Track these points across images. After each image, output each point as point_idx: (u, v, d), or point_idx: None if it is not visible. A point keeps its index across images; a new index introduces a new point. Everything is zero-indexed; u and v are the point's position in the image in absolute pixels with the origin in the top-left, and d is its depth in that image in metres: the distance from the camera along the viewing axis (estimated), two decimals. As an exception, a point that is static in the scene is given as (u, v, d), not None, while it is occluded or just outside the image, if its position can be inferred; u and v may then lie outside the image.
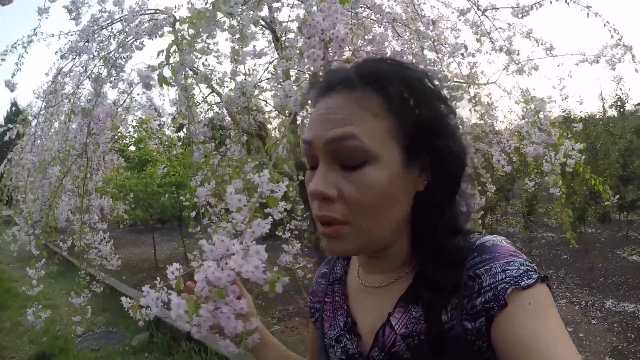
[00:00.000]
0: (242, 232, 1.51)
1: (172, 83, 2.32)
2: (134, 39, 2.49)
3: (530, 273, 0.68)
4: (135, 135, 9.36)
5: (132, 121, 6.43)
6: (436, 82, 0.77)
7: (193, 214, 3.38)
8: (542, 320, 0.63)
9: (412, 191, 0.75)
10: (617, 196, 3.54)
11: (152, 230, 11.76)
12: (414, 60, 3.40)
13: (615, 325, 5.21)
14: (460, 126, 0.83)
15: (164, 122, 6.17)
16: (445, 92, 0.81)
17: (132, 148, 10.06)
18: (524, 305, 0.65)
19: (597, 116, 14.65)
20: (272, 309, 6.42)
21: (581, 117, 12.80)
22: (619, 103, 20.35)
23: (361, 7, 3.39)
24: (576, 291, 6.48)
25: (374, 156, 0.70)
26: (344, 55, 2.26)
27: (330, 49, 2.13)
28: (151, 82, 1.66)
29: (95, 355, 5.37)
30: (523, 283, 0.66)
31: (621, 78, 4.67)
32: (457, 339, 0.70)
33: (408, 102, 0.72)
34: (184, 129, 7.38)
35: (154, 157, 8.97)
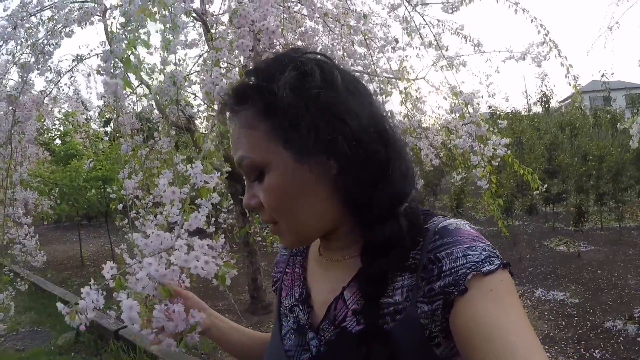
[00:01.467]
0: (174, 225, 1.50)
1: (103, 72, 2.28)
2: (63, 27, 2.42)
3: (492, 259, 0.67)
4: (61, 129, 9.00)
5: (58, 112, 6.20)
6: (365, 78, 0.81)
7: (120, 206, 3.31)
8: (503, 307, 0.63)
9: (323, 178, 0.75)
10: (546, 185, 3.67)
11: (78, 227, 11.37)
12: (345, 55, 3.46)
13: (545, 313, 5.44)
14: (390, 119, 0.83)
15: (90, 115, 6.00)
16: (373, 86, 0.83)
17: (58, 142, 9.66)
18: (484, 292, 0.64)
19: (522, 112, 15.25)
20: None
21: (507, 114, 13.32)
22: (544, 99, 21.36)
23: (293, 1, 3.41)
24: (506, 281, 6.72)
25: (265, 164, 0.74)
26: (274, 47, 2.29)
27: (260, 40, 2.15)
28: (118, 90, 1.64)
29: (20, 355, 5.16)
30: (484, 269, 0.65)
31: (546, 75, 4.87)
32: (408, 321, 0.70)
33: (273, 103, 0.73)
34: (111, 124, 7.18)
35: (80, 151, 8.65)
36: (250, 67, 0.85)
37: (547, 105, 21.60)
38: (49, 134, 9.14)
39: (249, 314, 5.63)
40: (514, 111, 14.50)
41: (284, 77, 0.73)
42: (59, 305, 1.10)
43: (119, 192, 3.18)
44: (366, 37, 3.11)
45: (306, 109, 0.71)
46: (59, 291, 6.87)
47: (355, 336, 0.74)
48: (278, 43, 2.30)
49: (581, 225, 8.08)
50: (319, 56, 0.79)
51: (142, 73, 3.52)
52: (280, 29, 1.98)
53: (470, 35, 4.24)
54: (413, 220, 0.76)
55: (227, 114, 0.86)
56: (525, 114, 15.49)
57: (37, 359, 5.03)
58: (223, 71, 3.42)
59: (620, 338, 4.72)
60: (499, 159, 3.32)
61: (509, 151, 3.36)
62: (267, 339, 1.08)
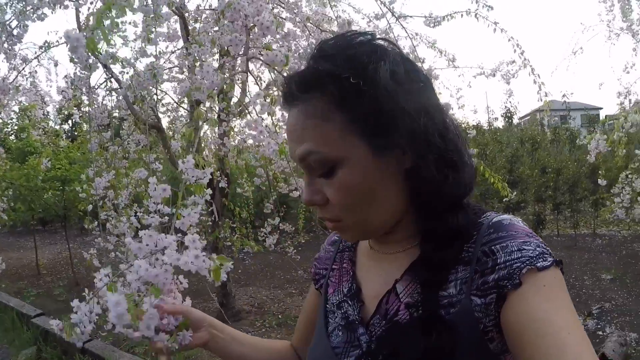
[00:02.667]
0: (150, 225, 1.42)
1: (76, 61, 2.15)
2: (35, 8, 2.27)
3: (546, 255, 0.66)
4: (17, 124, 8.62)
5: (14, 106, 5.92)
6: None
7: (90, 207, 3.14)
8: (555, 304, 0.62)
9: (397, 172, 0.72)
10: (515, 192, 3.78)
11: (34, 233, 10.82)
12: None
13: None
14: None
15: (48, 111, 5.77)
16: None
17: (13, 138, 9.24)
18: (538, 287, 0.63)
19: (485, 126, 16.06)
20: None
21: (474, 125, 13.94)
22: (507, 114, 22.44)
23: (275, 5, 3.37)
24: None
25: (339, 160, 0.69)
26: (265, 41, 2.22)
27: (250, 36, 2.08)
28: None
29: (-24, 378, 4.81)
30: (539, 264, 0.64)
31: (512, 92, 5.08)
32: (462, 314, 0.68)
33: (353, 93, 0.68)
34: (70, 121, 6.94)
35: (38, 148, 8.26)
36: (316, 50, 0.74)
37: (510, 121, 22.69)
38: (5, 129, 8.73)
39: (225, 317, 5.50)
40: (478, 124, 15.11)
41: (370, 67, 0.68)
42: (53, 322, 1.01)
43: (88, 191, 3.02)
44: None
45: (391, 102, 0.68)
46: (15, 302, 6.25)
47: (407, 327, 0.73)
48: (266, 39, 2.23)
49: (539, 232, 8.59)
50: (391, 44, 0.75)
51: (113, 66, 3.38)
52: (274, 26, 1.91)
53: (446, 50, 4.32)
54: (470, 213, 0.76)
55: (282, 102, 0.78)
56: (487, 128, 16.18)
57: (-5, 380, 4.67)
58: (198, 68, 3.34)
59: (581, 332, 5.16)
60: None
61: (477, 160, 3.41)
62: (274, 347, 1.08)
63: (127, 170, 3.64)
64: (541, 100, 3.90)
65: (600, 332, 5.09)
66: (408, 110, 0.68)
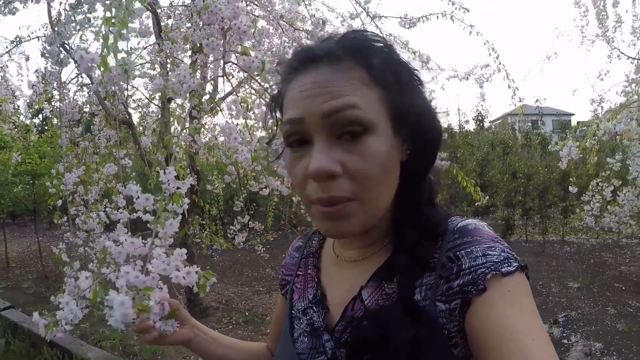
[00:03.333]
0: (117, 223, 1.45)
1: (47, 55, 2.16)
2: (6, 3, 2.28)
3: (511, 261, 0.66)
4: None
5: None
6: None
7: (59, 202, 3.13)
8: (519, 309, 0.62)
9: (399, 161, 0.73)
10: (487, 197, 3.81)
11: (3, 226, 10.66)
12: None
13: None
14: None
15: (19, 105, 5.70)
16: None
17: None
18: (502, 292, 0.63)
19: (456, 129, 16.02)
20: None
21: (445, 128, 13.86)
22: (479, 118, 22.50)
23: (249, 2, 3.38)
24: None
25: (374, 125, 0.67)
26: (239, 46, 2.24)
27: (227, 38, 2.10)
28: (93, 66, 1.54)
29: (-56, 369, 4.75)
30: (504, 269, 0.65)
31: (485, 96, 5.08)
32: (433, 319, 0.68)
33: (390, 73, 0.70)
34: (40, 115, 6.86)
35: (8, 142, 8.14)
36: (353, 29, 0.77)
37: (481, 124, 22.76)
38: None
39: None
40: (449, 127, 15.10)
41: (400, 59, 0.74)
42: (35, 315, 1.04)
43: (58, 186, 3.00)
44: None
45: (414, 95, 0.73)
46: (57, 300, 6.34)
47: (385, 313, 0.71)
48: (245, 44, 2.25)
49: (508, 237, 8.50)
50: (384, 42, 0.77)
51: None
52: (251, 30, 1.93)
53: (420, 51, 4.34)
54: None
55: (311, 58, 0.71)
56: (458, 130, 16.22)
57: (-38, 371, 4.62)
58: (169, 65, 3.36)
59: (547, 340, 5.06)
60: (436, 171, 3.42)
61: (451, 163, 3.46)
62: (252, 349, 1.10)
63: (98, 165, 3.63)
64: (515, 105, 3.94)
65: (565, 341, 5.09)
66: (423, 106, 0.74)
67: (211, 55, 1.88)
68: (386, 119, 0.69)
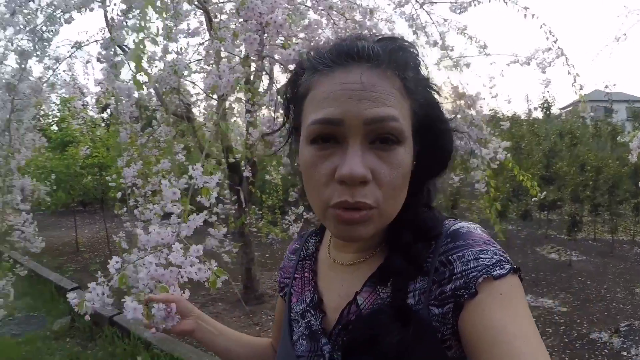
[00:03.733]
0: (171, 214, 1.55)
1: (103, 60, 2.25)
2: (63, 13, 2.40)
3: (503, 263, 0.67)
4: (58, 115, 8.96)
5: (56, 98, 6.15)
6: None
7: (119, 194, 3.28)
8: (511, 312, 0.63)
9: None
10: (545, 193, 3.66)
11: (74, 213, 11.32)
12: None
13: (534, 320, 5.44)
14: None
15: (87, 102, 5.98)
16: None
17: (55, 128, 9.62)
18: (494, 295, 0.64)
19: (522, 117, 15.20)
20: (195, 295, 6.33)
21: (508, 116, 13.26)
22: (545, 105, 21.44)
23: (297, -7, 3.38)
24: (496, 287, 6.61)
25: (406, 137, 0.69)
26: (278, 39, 2.27)
27: (265, 33, 2.13)
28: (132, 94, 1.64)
29: (16, 340, 5.15)
30: (495, 273, 0.65)
31: (549, 82, 4.80)
32: (424, 321, 0.69)
33: (419, 86, 0.72)
34: (108, 110, 7.15)
35: (77, 137, 8.62)
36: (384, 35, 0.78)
37: (548, 112, 21.68)
38: (46, 119, 9.09)
39: (242, 303, 5.62)
40: (514, 115, 14.41)
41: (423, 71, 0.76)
42: (70, 295, 1.20)
43: (118, 180, 3.14)
44: (371, 32, 3.08)
45: (434, 109, 0.75)
46: (55, 277, 6.88)
47: (375, 315, 0.71)
48: (283, 36, 2.28)
49: (574, 235, 8.10)
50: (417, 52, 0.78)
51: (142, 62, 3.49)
52: (288, 23, 1.95)
53: (476, 37, 4.21)
54: None
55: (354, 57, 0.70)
56: (525, 119, 15.40)
57: (33, 344, 5.00)
58: (224, 60, 3.41)
59: (605, 350, 4.75)
60: (498, 162, 3.30)
61: (509, 155, 3.34)
62: (256, 344, 1.12)
63: (157, 158, 3.77)
64: (576, 93, 3.77)
65: (625, 353, 4.72)
66: (439, 118, 0.76)
67: (249, 50, 1.90)
68: (411, 130, 0.71)
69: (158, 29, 2.13)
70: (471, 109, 3.19)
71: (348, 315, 0.78)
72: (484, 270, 0.65)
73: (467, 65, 4.08)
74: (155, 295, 1.01)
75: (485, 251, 0.68)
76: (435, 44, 3.68)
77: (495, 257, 0.67)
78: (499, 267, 0.66)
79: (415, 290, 0.72)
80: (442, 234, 0.74)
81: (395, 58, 0.70)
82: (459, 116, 3.43)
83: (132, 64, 1.71)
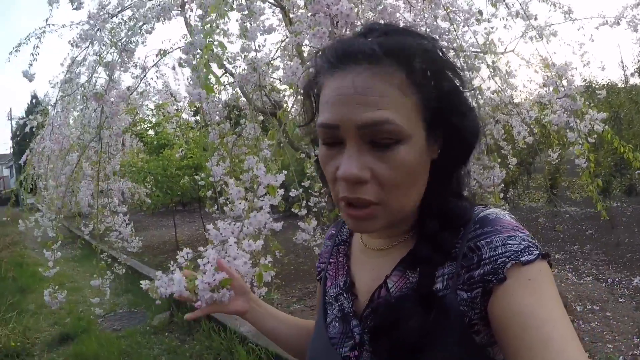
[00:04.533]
0: (261, 208, 1.58)
1: (185, 64, 2.31)
2: (143, 23, 2.49)
3: (532, 249, 0.67)
4: (153, 120, 9.43)
5: (148, 105, 6.47)
6: (451, 54, 0.76)
7: (209, 193, 3.39)
8: (540, 298, 0.63)
9: (429, 161, 0.75)
10: None
11: (173, 213, 11.93)
12: (428, 31, 3.34)
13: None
14: (479, 96, 0.82)
15: (180, 106, 6.23)
16: (460, 62, 0.79)
17: (151, 132, 10.14)
18: (523, 281, 0.64)
19: (619, 85, 14.04)
20: (292, 288, 6.45)
21: (604, 85, 12.35)
22: (644, 69, 19.65)
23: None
24: (602, 268, 6.17)
25: (407, 136, 0.69)
26: (355, 28, 2.22)
27: (337, 24, 2.09)
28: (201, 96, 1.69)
29: (117, 334, 5.48)
30: (523, 258, 0.66)
31: None
32: (449, 308, 0.70)
33: (430, 76, 0.71)
34: (201, 112, 7.44)
35: (172, 140, 9.05)
36: (382, 27, 0.76)
37: None
38: (142, 125, 9.60)
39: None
40: (610, 83, 13.37)
41: (443, 59, 0.74)
42: (144, 282, 1.29)
43: (207, 179, 3.25)
44: (448, 10, 2.97)
45: (452, 97, 0.73)
46: (154, 274, 7.25)
47: (402, 300, 0.74)
48: (358, 24, 2.23)
49: None
50: (428, 39, 0.76)
51: (224, 62, 3.58)
52: (354, 11, 1.90)
53: (560, 2, 3.95)
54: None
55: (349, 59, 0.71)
56: (623, 86, 14.25)
57: (133, 338, 5.29)
58: (305, 54, 3.42)
59: None
60: (596, 136, 3.11)
61: (607, 127, 3.13)
62: (302, 325, 1.15)
63: (247, 155, 3.86)
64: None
65: None
66: (459, 105, 0.74)
67: (318, 44, 1.88)
68: (421, 126, 0.71)
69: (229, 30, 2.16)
70: (563, 78, 2.99)
71: (378, 299, 0.80)
72: (512, 256, 0.66)
73: (554, 33, 3.84)
74: (222, 260, 1.04)
75: (514, 237, 0.69)
76: (517, 14, 3.49)
77: (523, 242, 0.68)
78: (527, 253, 0.66)
79: (444, 275, 0.73)
80: (471, 220, 0.75)
81: (396, 51, 0.69)
82: (550, 89, 3.25)
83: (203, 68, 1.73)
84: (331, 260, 0.98)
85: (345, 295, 0.88)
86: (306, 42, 2.46)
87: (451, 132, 0.74)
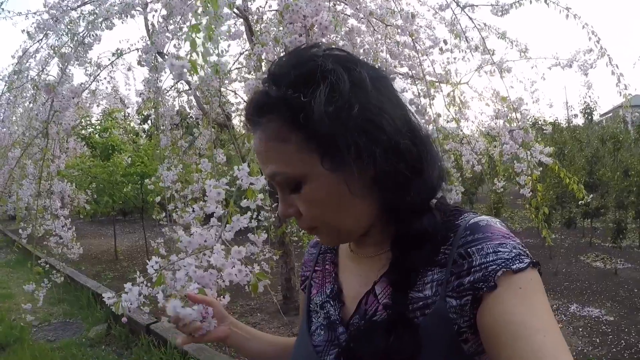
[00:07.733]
0: (211, 216, 1.53)
1: (144, 63, 2.26)
2: (104, 19, 2.43)
3: (523, 257, 0.67)
4: (99, 126, 9.19)
5: (97, 108, 6.32)
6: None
7: (158, 199, 3.30)
8: (530, 306, 0.63)
9: (360, 184, 0.72)
10: (592, 195, 3.58)
11: (114, 222, 11.52)
12: (388, 57, 3.41)
13: (580, 329, 5.24)
14: (434, 122, 0.83)
15: (129, 113, 6.11)
16: (417, 89, 0.80)
17: (97, 137, 9.86)
18: (513, 289, 0.64)
19: (563, 123, 14.88)
20: (233, 304, 6.32)
21: (551, 122, 12.96)
22: (587, 110, 20.76)
23: (338, 1, 3.37)
24: (541, 295, 6.42)
25: (302, 177, 0.72)
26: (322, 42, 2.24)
27: (310, 36, 2.10)
28: (184, 72, 1.62)
29: (51, 346, 5.20)
30: (514, 266, 0.65)
31: (591, 85, 4.61)
32: (437, 315, 0.69)
33: (302, 113, 0.68)
34: (149, 120, 7.31)
35: (119, 145, 8.81)
36: (267, 73, 0.76)
37: (590, 117, 21.05)
38: (90, 129, 9.34)
39: (281, 314, 5.59)
40: (556, 121, 14.14)
41: (312, 89, 0.68)
42: (106, 295, 1.20)
43: (157, 184, 3.18)
44: (413, 37, 3.04)
45: (341, 125, 0.68)
46: (92, 284, 6.99)
47: (380, 325, 0.73)
48: (326, 39, 2.25)
49: (619, 242, 7.82)
50: (340, 53, 0.74)
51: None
52: (333, 25, 1.92)
53: (517, 40, 4.12)
54: (444, 215, 0.77)
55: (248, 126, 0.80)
56: (566, 125, 15.10)
57: (68, 350, 5.04)
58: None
59: (655, 360, 4.55)
60: (540, 169, 3.24)
61: (554, 160, 3.26)
62: (284, 342, 1.13)
63: (197, 165, 3.80)
64: (620, 94, 3.62)
65: None
66: (362, 129, 0.68)
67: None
68: (316, 159, 0.70)
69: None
70: (517, 112, 3.11)
71: (366, 305, 0.80)
72: (503, 264, 0.65)
73: (508, 70, 4.00)
74: (194, 294, 0.99)
75: (505, 245, 0.68)
76: (476, 48, 3.61)
77: (514, 250, 0.67)
78: (518, 261, 0.66)
79: (433, 282, 0.72)
80: (461, 227, 0.73)
81: (262, 110, 0.73)
82: (501, 121, 3.37)
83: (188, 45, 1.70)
84: (317, 268, 0.99)
85: (332, 302, 0.88)
86: (269, 53, 2.47)
87: (358, 147, 0.68)
